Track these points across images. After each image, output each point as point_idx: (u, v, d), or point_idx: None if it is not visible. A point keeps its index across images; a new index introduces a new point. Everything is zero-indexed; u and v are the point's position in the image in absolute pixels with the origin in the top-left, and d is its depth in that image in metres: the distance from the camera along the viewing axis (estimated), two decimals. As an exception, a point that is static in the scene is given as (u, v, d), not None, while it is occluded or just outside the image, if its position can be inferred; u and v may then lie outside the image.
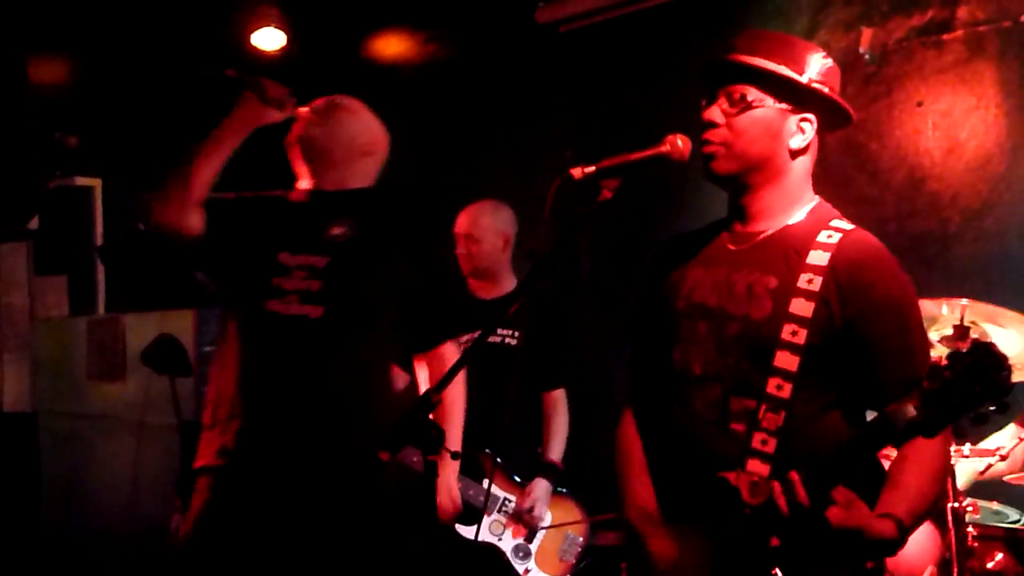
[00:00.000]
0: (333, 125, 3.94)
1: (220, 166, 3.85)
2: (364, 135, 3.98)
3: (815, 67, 2.87)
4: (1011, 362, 2.32)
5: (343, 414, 3.67)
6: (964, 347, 2.36)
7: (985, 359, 2.28)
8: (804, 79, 2.85)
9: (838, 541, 2.51)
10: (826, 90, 2.87)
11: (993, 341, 4.12)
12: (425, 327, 3.95)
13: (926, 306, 4.21)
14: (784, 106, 2.86)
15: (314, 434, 3.62)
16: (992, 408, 2.31)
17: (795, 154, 2.88)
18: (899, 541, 2.59)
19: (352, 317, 3.75)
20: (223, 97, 3.87)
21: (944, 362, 2.32)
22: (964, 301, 4.25)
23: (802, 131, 2.88)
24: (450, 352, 3.98)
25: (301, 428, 3.62)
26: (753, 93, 2.85)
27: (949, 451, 3.06)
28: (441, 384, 2.74)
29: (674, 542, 2.81)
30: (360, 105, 4.06)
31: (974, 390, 2.28)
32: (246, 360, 3.72)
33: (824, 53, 2.91)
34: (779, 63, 2.84)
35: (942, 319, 4.28)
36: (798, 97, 2.86)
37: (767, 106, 2.85)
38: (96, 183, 8.35)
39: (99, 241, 8.31)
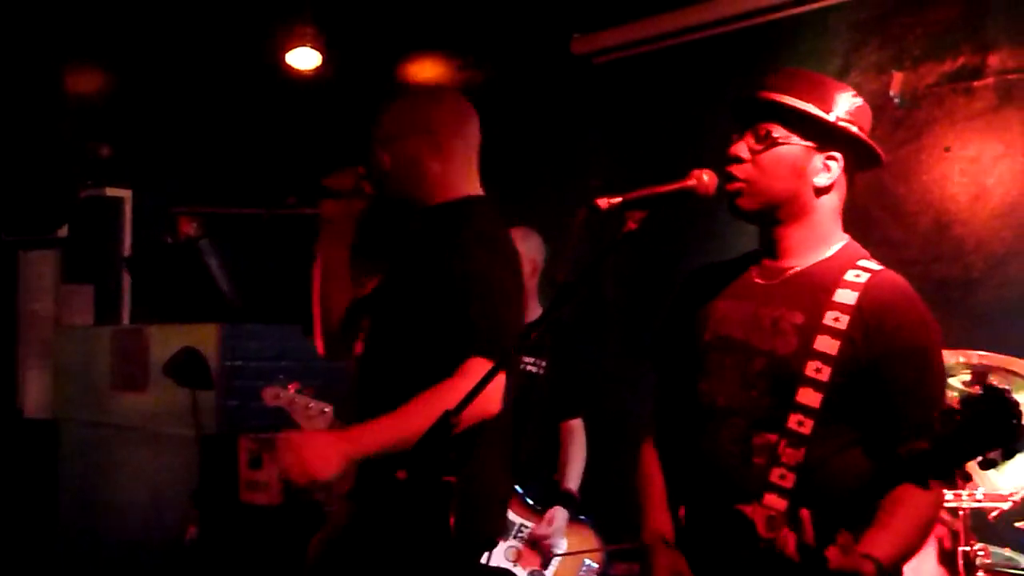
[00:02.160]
0: None
1: (346, 282, 3.85)
2: None
3: (844, 106, 2.88)
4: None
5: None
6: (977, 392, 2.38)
7: (996, 405, 2.29)
8: (831, 117, 2.86)
9: None
10: (854, 129, 2.88)
11: (1009, 388, 4.15)
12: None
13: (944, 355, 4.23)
14: (810, 144, 2.87)
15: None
16: (1002, 454, 2.31)
17: (820, 192, 2.90)
18: None
19: (389, 351, 3.67)
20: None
21: (956, 406, 2.33)
22: (982, 352, 4.26)
23: (828, 169, 2.89)
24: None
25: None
26: (779, 130, 2.87)
27: (941, 502, 3.08)
28: (462, 405, 2.74)
29: (687, 570, 2.83)
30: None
31: (984, 435, 2.29)
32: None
33: (854, 92, 2.92)
34: (807, 101, 2.86)
35: (957, 368, 4.29)
36: (825, 135, 2.87)
37: (792, 143, 2.87)
38: (126, 194, 8.41)
39: (127, 252, 8.37)
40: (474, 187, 3.77)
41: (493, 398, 3.31)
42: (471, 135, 3.80)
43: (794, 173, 2.88)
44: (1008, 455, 2.32)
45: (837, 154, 2.89)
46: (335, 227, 3.85)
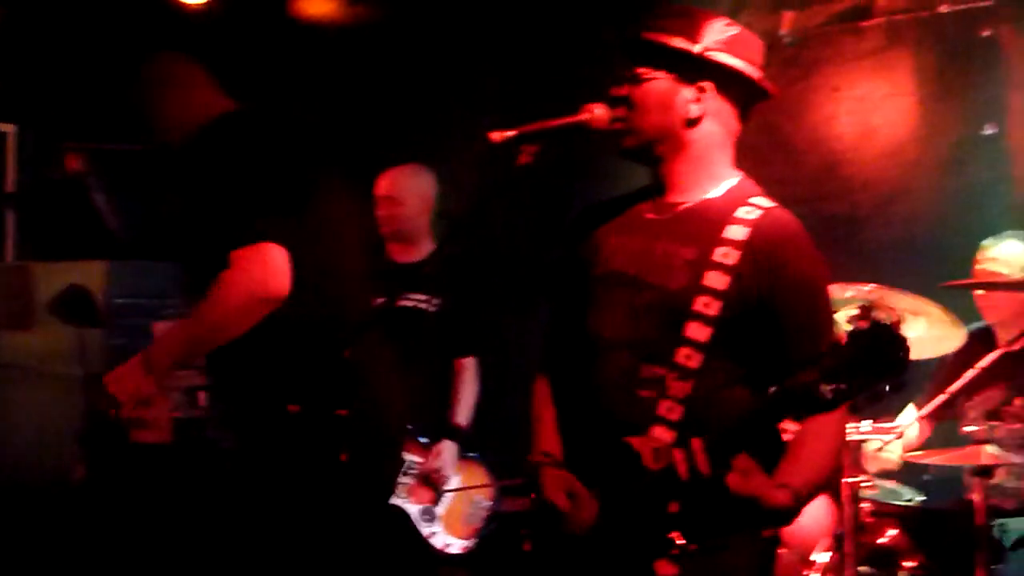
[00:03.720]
0: None
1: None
2: None
3: (713, 36, 2.89)
4: (910, 343, 2.37)
5: None
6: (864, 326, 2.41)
7: (883, 338, 2.33)
8: (697, 48, 2.87)
9: (735, 507, 2.57)
10: (720, 57, 2.88)
11: (898, 321, 4.23)
12: None
13: (832, 290, 4.29)
14: (676, 76, 2.89)
15: None
16: (888, 387, 2.36)
17: (693, 123, 2.91)
18: (793, 510, 2.66)
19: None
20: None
21: (845, 339, 2.37)
22: (869, 287, 4.33)
23: (698, 100, 2.90)
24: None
25: None
26: (647, 69, 2.89)
27: (845, 427, 3.14)
28: (351, 339, 2.74)
29: (574, 492, 2.82)
30: None
31: (871, 368, 2.33)
32: None
33: (729, 22, 2.93)
34: (675, 35, 2.87)
35: (847, 302, 4.36)
36: (692, 66, 2.88)
37: (658, 77, 2.89)
38: (10, 129, 8.22)
39: (11, 188, 8.18)
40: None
41: (276, 276, 3.43)
42: None
43: (662, 106, 2.90)
44: (895, 388, 2.36)
45: (706, 84, 2.90)
46: None
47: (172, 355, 3.47)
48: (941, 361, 4.84)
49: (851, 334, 2.37)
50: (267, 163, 3.67)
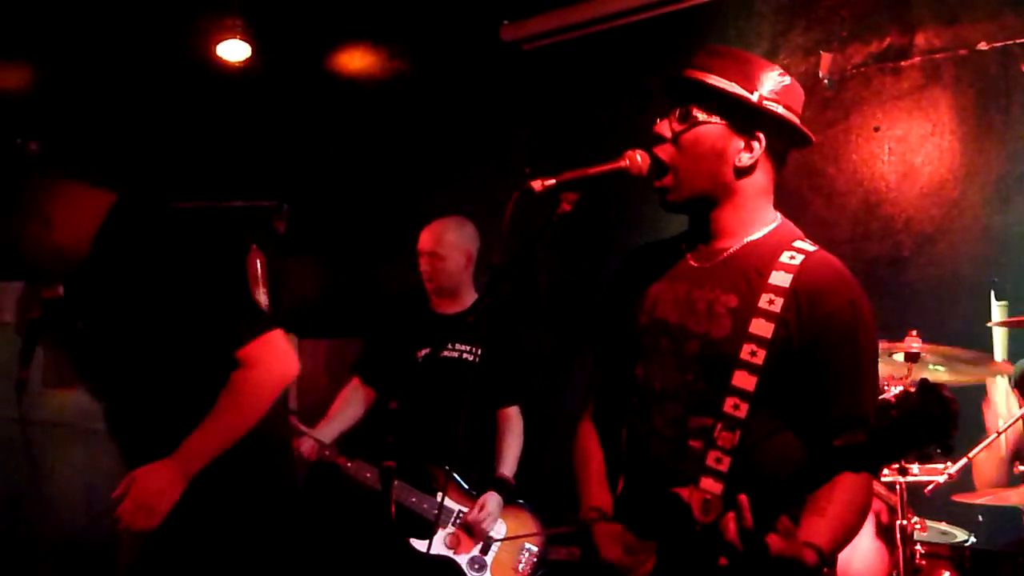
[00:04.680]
0: None
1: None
2: None
3: (768, 85, 2.86)
4: (959, 406, 2.33)
5: None
6: (912, 388, 2.38)
7: (931, 402, 2.29)
8: (754, 97, 2.84)
9: (772, 566, 2.53)
10: (778, 108, 2.86)
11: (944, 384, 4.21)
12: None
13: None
14: (731, 123, 2.86)
15: None
16: (937, 450, 2.33)
17: (742, 173, 2.88)
18: (817, 570, 2.62)
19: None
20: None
21: (892, 401, 2.33)
22: (916, 344, 4.31)
23: (749, 149, 2.87)
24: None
25: None
26: (700, 110, 2.86)
27: (872, 484, 3.11)
28: (398, 390, 2.75)
29: (625, 546, 2.81)
30: None
31: (918, 432, 2.30)
32: None
33: (781, 71, 2.90)
34: (731, 80, 2.84)
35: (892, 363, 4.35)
36: (747, 115, 2.86)
37: (713, 123, 2.86)
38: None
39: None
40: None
41: (289, 360, 3.50)
42: None
43: (714, 153, 2.86)
44: (944, 451, 2.33)
45: (760, 134, 2.87)
46: None
47: (205, 460, 3.42)
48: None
49: (900, 396, 2.33)
50: (210, 248, 3.62)
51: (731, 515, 2.54)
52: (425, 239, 5.43)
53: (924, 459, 2.36)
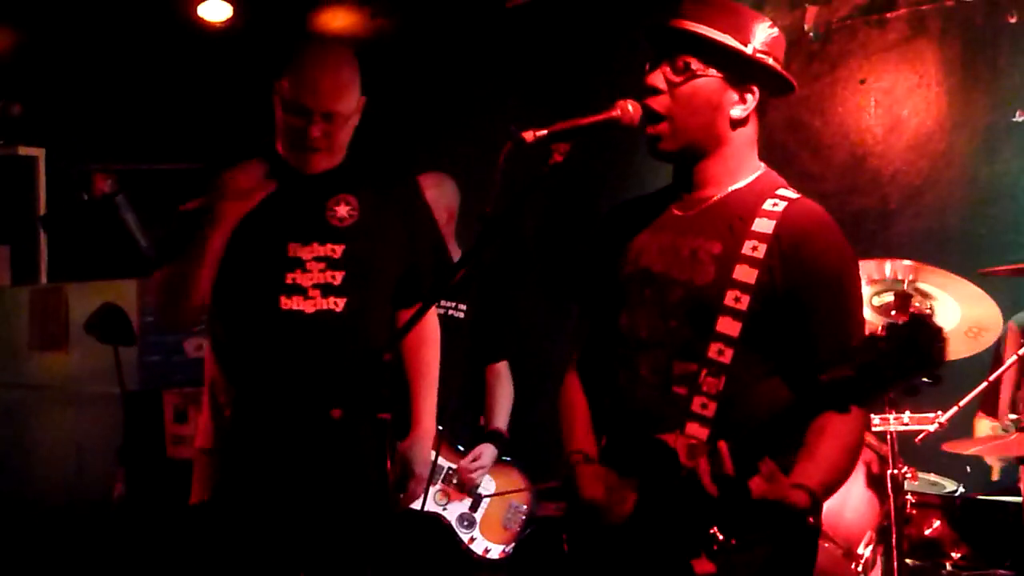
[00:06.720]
0: None
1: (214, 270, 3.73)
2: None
3: (760, 37, 2.85)
4: (947, 334, 2.34)
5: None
6: (902, 318, 2.39)
7: (920, 332, 2.29)
8: (749, 49, 2.83)
9: (757, 509, 2.55)
10: (770, 61, 2.86)
11: (931, 312, 4.20)
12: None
13: (869, 267, 4.27)
14: (726, 76, 2.85)
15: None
16: (925, 381, 2.33)
17: (736, 124, 2.89)
18: (810, 511, 2.65)
19: (375, 302, 3.71)
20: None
21: (881, 333, 2.33)
22: (908, 262, 4.31)
23: (744, 101, 2.87)
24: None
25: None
26: (697, 62, 2.84)
27: (864, 426, 3.11)
28: (391, 342, 2.75)
29: (611, 485, 2.82)
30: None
31: (907, 362, 2.29)
32: (261, 356, 3.67)
33: (770, 23, 2.89)
34: (724, 31, 2.82)
35: (885, 282, 4.34)
36: (741, 67, 2.85)
37: (710, 75, 2.84)
38: (39, 152, 8.30)
39: (42, 210, 8.25)
40: None
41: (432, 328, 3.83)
42: None
43: (711, 106, 2.86)
44: (934, 381, 2.33)
45: (754, 87, 2.87)
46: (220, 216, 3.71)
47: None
48: (996, 353, 4.79)
49: (887, 327, 2.33)
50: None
51: (703, 461, 2.56)
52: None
53: (912, 392, 2.35)
